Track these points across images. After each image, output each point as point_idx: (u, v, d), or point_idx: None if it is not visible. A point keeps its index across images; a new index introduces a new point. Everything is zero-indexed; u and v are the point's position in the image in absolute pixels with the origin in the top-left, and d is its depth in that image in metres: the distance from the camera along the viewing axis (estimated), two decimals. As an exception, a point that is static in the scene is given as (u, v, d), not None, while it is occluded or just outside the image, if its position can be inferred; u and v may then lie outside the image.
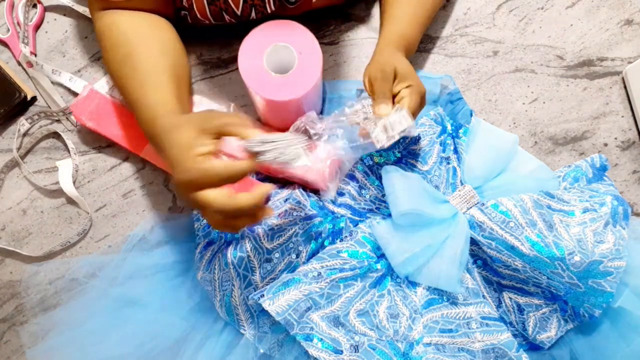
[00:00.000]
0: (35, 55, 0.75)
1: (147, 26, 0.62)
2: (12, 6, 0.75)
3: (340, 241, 0.64)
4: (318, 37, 0.61)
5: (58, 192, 0.72)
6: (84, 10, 0.74)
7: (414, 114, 0.58)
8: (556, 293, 0.63)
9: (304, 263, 0.63)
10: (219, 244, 0.65)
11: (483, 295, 0.66)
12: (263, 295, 0.60)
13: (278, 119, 0.67)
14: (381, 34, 0.65)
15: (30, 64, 0.74)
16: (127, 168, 0.73)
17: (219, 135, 0.50)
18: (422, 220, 0.63)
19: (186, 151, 0.49)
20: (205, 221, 0.67)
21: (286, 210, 0.65)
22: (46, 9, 0.76)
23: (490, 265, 0.66)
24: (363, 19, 0.75)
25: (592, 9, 0.75)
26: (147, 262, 0.68)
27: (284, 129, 0.68)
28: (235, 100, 0.73)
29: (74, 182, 0.72)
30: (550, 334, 0.63)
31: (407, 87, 0.58)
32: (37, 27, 0.76)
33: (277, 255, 0.62)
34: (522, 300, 0.64)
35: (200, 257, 0.65)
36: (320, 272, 0.61)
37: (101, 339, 0.64)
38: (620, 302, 0.62)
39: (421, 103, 0.59)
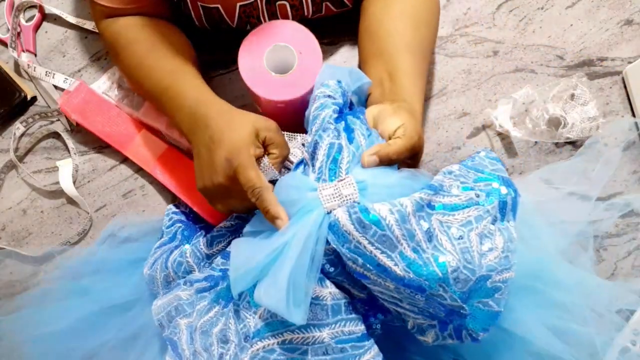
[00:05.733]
0: (36, 55, 0.75)
1: (163, 25, 0.65)
2: (12, 6, 0.75)
3: None
4: (318, 37, 0.61)
5: (58, 192, 0.72)
6: (77, 20, 0.74)
7: (395, 159, 0.52)
8: (435, 314, 0.52)
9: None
10: (169, 246, 0.65)
11: (347, 306, 0.52)
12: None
13: (278, 119, 0.67)
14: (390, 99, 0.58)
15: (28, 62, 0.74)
16: (127, 168, 0.73)
17: (265, 143, 0.55)
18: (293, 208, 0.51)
19: (244, 143, 0.53)
20: (171, 217, 0.68)
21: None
22: (45, 13, 0.76)
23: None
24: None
25: (592, 9, 0.75)
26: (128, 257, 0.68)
27: (284, 128, 0.68)
28: (235, 101, 0.73)
29: (74, 182, 0.72)
30: (427, 339, 0.54)
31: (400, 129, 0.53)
32: (37, 27, 0.76)
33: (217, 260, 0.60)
34: (396, 309, 0.53)
35: (152, 253, 0.66)
36: (190, 280, 0.60)
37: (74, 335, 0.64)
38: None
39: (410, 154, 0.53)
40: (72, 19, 0.75)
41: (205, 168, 0.55)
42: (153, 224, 0.70)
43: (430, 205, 0.50)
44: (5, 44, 0.75)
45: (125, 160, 0.73)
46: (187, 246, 0.63)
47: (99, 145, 0.73)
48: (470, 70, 0.74)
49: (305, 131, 0.71)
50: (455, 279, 0.47)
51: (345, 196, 0.50)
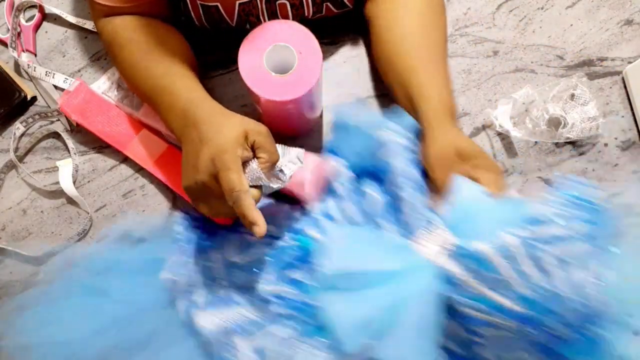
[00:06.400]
0: (36, 55, 0.75)
1: (161, 26, 0.65)
2: (12, 6, 0.75)
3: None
4: (318, 37, 0.60)
5: (58, 192, 0.72)
6: (77, 20, 0.75)
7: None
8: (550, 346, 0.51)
9: (267, 283, 0.60)
10: (187, 249, 0.64)
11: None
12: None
13: (278, 119, 0.67)
14: (421, 107, 0.59)
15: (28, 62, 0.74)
16: (127, 168, 0.73)
17: (254, 146, 0.54)
18: (358, 282, 0.51)
19: (231, 144, 0.52)
20: (182, 223, 0.67)
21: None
22: (45, 13, 0.76)
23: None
24: (363, 18, 0.75)
25: (592, 9, 0.75)
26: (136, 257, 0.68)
27: (284, 129, 0.68)
28: (235, 100, 0.73)
29: (74, 182, 0.72)
30: None
31: (474, 166, 0.55)
32: (37, 27, 0.76)
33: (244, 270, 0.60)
34: None
35: (170, 257, 0.64)
36: (257, 297, 0.58)
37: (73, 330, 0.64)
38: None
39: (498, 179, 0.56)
40: (72, 19, 0.75)
41: (190, 167, 0.55)
42: (162, 226, 0.69)
43: (533, 239, 0.50)
44: (5, 44, 0.75)
45: (125, 160, 0.73)
46: (212, 252, 0.62)
47: (99, 145, 0.73)
48: (470, 70, 0.74)
49: (304, 134, 0.71)
50: (566, 310, 0.48)
51: (444, 243, 0.50)
